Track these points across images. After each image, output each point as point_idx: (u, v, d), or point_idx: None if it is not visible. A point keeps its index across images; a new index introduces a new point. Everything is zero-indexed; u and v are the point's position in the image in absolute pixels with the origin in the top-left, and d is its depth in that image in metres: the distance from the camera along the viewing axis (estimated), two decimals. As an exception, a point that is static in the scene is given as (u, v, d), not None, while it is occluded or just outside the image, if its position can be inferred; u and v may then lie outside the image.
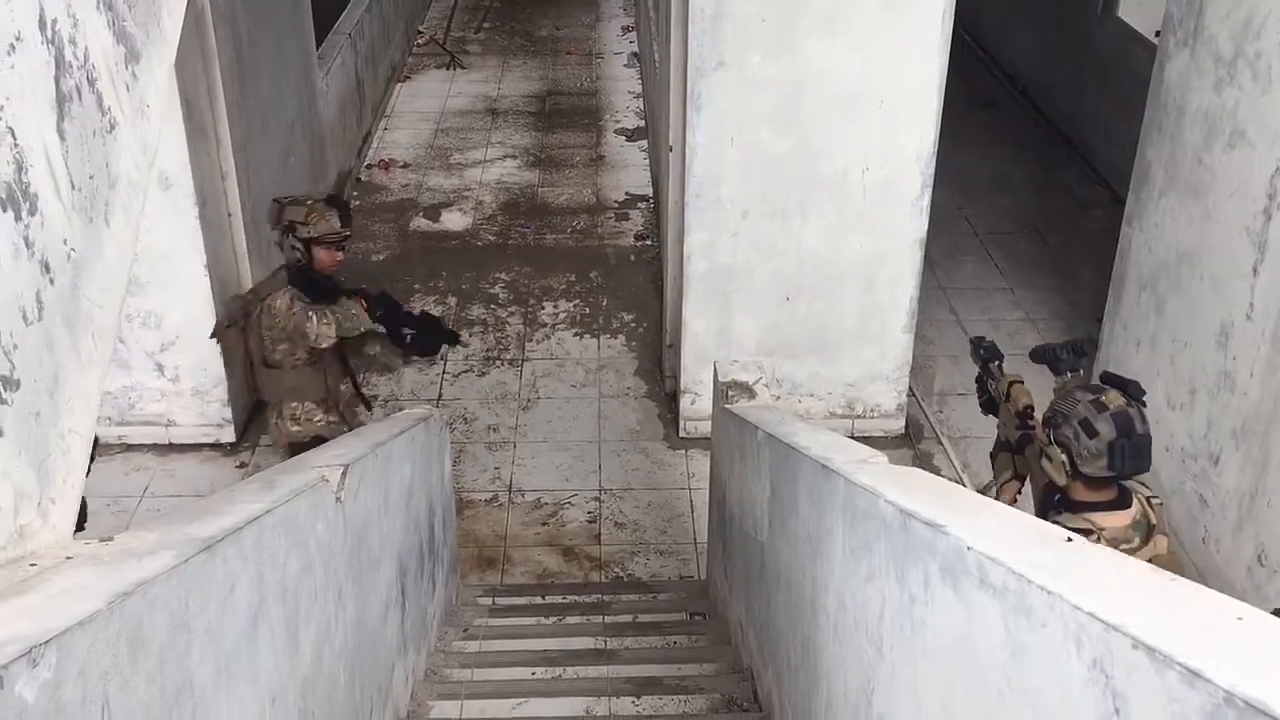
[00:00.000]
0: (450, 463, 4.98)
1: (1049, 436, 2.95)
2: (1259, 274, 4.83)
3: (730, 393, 4.47)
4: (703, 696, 3.84)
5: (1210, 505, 5.24)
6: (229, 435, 6.26)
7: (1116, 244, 6.49)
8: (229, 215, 6.17)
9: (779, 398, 5.97)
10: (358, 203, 9.08)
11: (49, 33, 1.83)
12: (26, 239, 1.73)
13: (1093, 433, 2.85)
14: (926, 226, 5.95)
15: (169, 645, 1.62)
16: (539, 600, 4.98)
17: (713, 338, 6.04)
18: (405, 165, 9.66)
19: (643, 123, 10.39)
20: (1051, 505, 3.00)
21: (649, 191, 9.04)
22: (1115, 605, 1.31)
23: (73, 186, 1.89)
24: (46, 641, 1.24)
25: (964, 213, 8.52)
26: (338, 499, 2.68)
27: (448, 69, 11.70)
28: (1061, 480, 2.93)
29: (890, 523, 2.10)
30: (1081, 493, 2.93)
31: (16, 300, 1.70)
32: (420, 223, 8.77)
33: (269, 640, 2.10)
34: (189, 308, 5.87)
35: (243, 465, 6.14)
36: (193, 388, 6.11)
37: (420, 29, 12.65)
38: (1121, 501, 2.99)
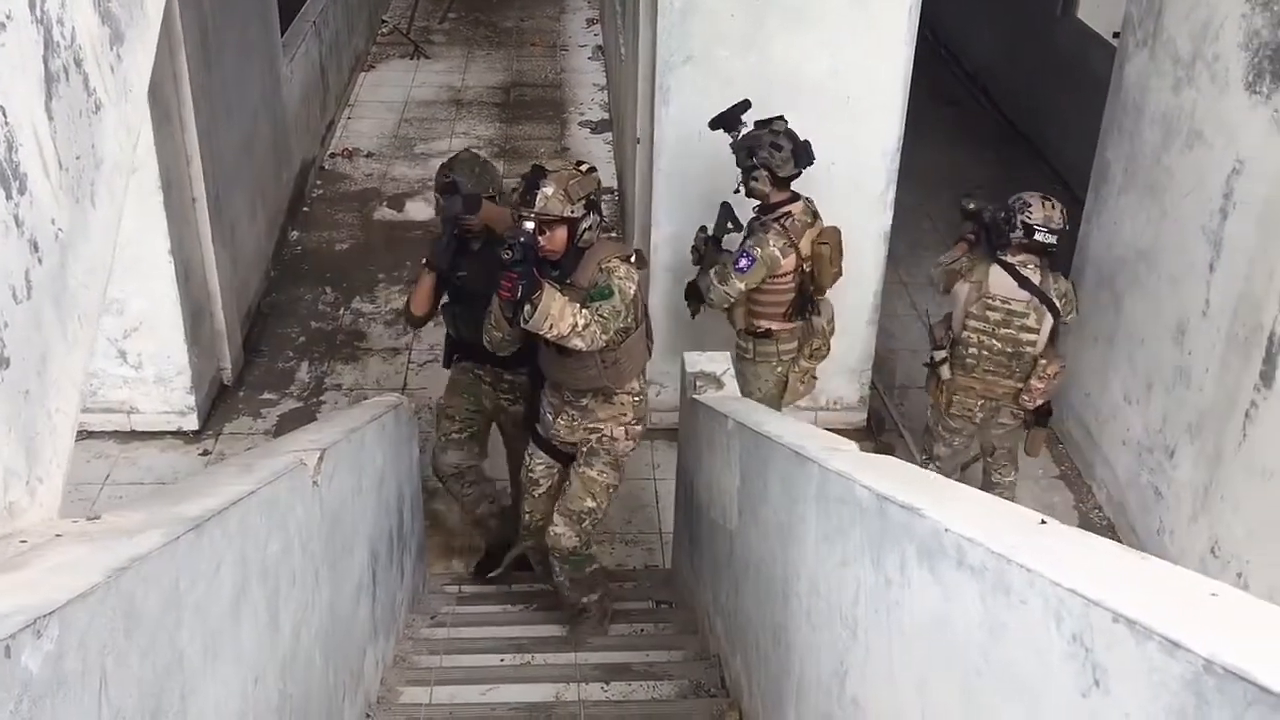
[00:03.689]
0: (418, 451, 4.99)
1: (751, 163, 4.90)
2: (1215, 272, 4.94)
3: (698, 383, 4.52)
4: (671, 683, 3.89)
5: (1165, 497, 5.35)
6: (192, 423, 6.22)
7: (1073, 242, 6.61)
8: (193, 200, 6.12)
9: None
10: (321, 191, 9.03)
11: (38, 12, 1.83)
12: (16, 217, 1.74)
13: (779, 147, 4.86)
14: (891, 221, 6.02)
15: (160, 621, 1.63)
16: (506, 588, 5.00)
17: (679, 330, 6.08)
18: (369, 154, 9.62)
19: (607, 115, 10.41)
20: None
21: (614, 184, 9.06)
22: (1094, 581, 1.36)
23: (60, 166, 1.89)
24: (50, 613, 1.25)
25: (925, 209, 8.61)
26: (315, 483, 2.69)
27: (412, 59, 11.65)
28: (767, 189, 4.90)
29: (866, 507, 2.15)
30: (777, 196, 4.95)
31: (6, 279, 1.71)
32: (385, 212, 8.75)
33: (252, 620, 2.11)
34: (152, 294, 5.82)
35: (206, 453, 6.11)
36: (155, 374, 6.07)
37: (384, 18, 12.59)
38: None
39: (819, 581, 2.53)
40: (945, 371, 5.08)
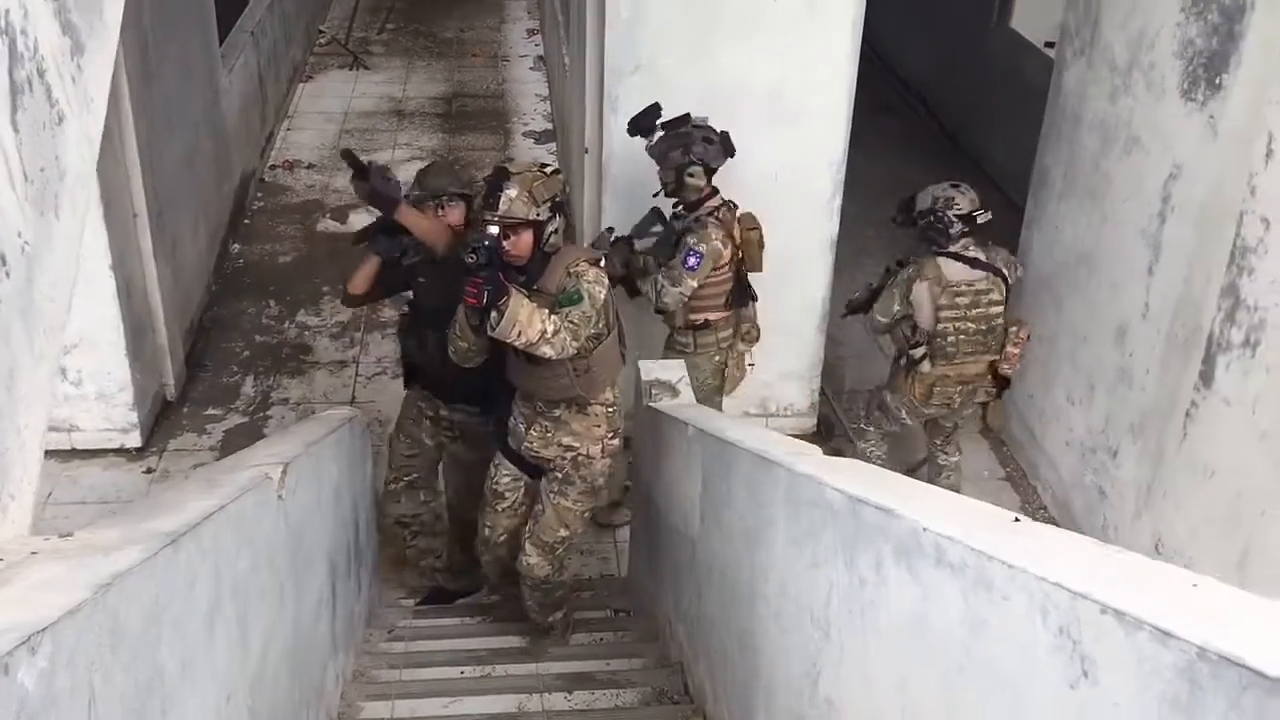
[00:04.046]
0: (370, 465, 4.95)
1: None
2: (1154, 275, 5.06)
3: (654, 391, 4.53)
4: (634, 690, 3.89)
5: (1109, 496, 5.46)
6: (135, 440, 6.11)
7: (1010, 245, 6.72)
8: (134, 216, 6.03)
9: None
10: (261, 204, 8.93)
11: (2, 23, 1.80)
12: (-15, 230, 1.71)
13: (711, 141, 5.02)
14: (837, 228, 6.09)
15: (142, 638, 1.61)
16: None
17: (632, 338, 6.09)
18: (310, 166, 9.53)
19: (551, 125, 10.40)
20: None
21: (558, 194, 9.05)
22: (1077, 575, 1.39)
23: (26, 179, 1.86)
24: (43, 630, 1.23)
25: (867, 216, 8.70)
26: (280, 497, 2.66)
27: (351, 69, 11.56)
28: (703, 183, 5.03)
29: (838, 509, 2.17)
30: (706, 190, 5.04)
31: (-25, 293, 1.68)
32: (327, 224, 8.67)
33: (225, 637, 2.09)
34: (93, 310, 5.71)
35: (150, 470, 6.01)
36: (97, 391, 5.96)
37: (321, 29, 12.48)
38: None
39: (788, 584, 2.56)
40: (926, 365, 5.20)
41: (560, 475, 4.13)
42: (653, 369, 4.65)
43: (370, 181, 4.17)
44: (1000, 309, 5.13)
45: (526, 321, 3.60)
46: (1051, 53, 9.03)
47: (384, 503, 4.81)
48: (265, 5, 9.85)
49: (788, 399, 6.48)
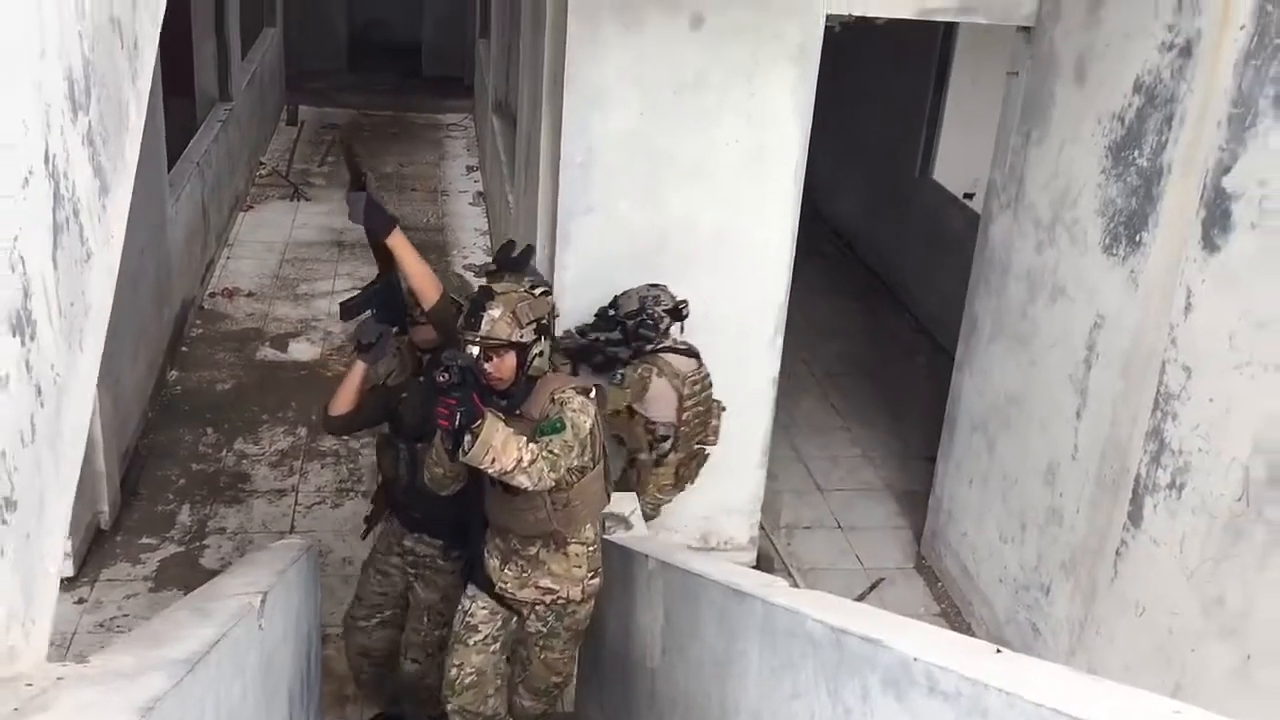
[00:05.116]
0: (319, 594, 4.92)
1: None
2: (1082, 418, 5.31)
3: (607, 524, 4.60)
4: (590, 827, 3.87)
5: (1043, 633, 5.61)
6: (67, 569, 5.97)
7: (938, 387, 7.00)
8: (81, 340, 6.01)
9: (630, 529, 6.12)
10: (200, 331, 8.93)
11: (50, 167, 1.90)
12: (27, 363, 1.78)
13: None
14: (779, 366, 6.30)
15: (171, 765, 1.64)
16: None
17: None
18: (250, 294, 9.57)
19: (490, 259, 10.59)
20: None
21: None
22: (1070, 700, 1.51)
23: (60, 313, 1.93)
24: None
25: (800, 354, 8.97)
26: (260, 626, 2.68)
27: (291, 200, 11.71)
28: None
29: (819, 640, 2.27)
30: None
31: (15, 423, 1.74)
32: (267, 352, 8.68)
33: (222, 767, 2.10)
34: (36, 434, 5.65)
35: (81, 600, 5.88)
36: (32, 518, 5.85)
37: (263, 159, 12.65)
38: None
39: (764, 714, 2.63)
40: (672, 457, 5.54)
41: (544, 629, 3.95)
42: (606, 502, 4.72)
43: (368, 193, 3.90)
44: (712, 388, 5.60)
45: (501, 448, 3.39)
46: (970, 203, 9.56)
47: (349, 636, 4.66)
48: (211, 136, 10.00)
49: (728, 533, 6.58)
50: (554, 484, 3.59)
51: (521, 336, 3.63)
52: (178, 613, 2.48)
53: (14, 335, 1.71)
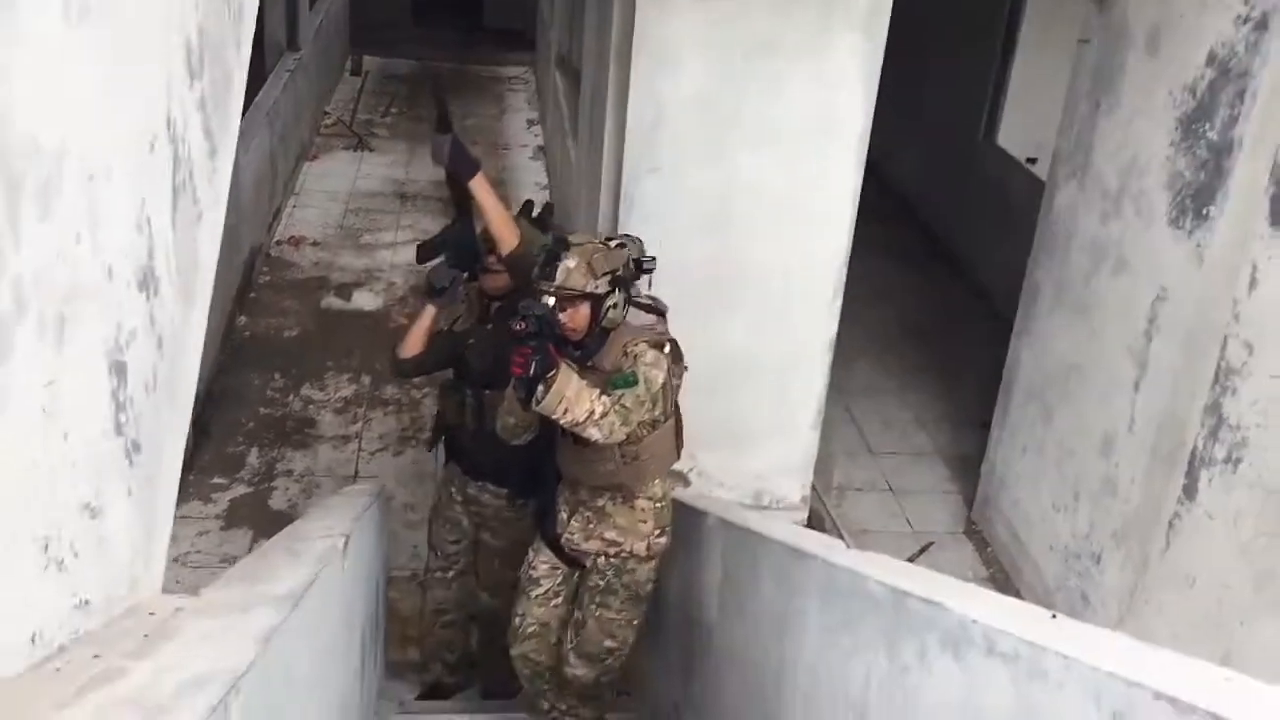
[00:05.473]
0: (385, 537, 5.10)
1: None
2: (1140, 390, 5.33)
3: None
4: (643, 771, 4.01)
5: (1092, 602, 5.67)
6: None
7: (994, 354, 7.02)
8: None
9: (689, 485, 6.24)
10: (268, 278, 9.13)
11: (171, 131, 2.02)
12: (152, 317, 1.91)
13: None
14: (837, 329, 6.35)
15: (286, 694, 1.77)
16: (466, 678, 5.09)
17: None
18: (315, 243, 9.75)
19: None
20: None
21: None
22: (1126, 665, 1.60)
23: (178, 271, 2.06)
24: (242, 674, 1.40)
25: (857, 318, 8.99)
26: (343, 568, 2.83)
27: (355, 150, 11.86)
28: None
29: (880, 600, 2.36)
30: None
31: (142, 374, 1.87)
32: (332, 301, 8.86)
33: (317, 698, 2.24)
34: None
35: (156, 536, 6.11)
36: (111, 456, 6.07)
37: (327, 110, 12.80)
38: None
39: (819, 670, 2.74)
40: None
41: (602, 583, 3.94)
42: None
43: (453, 134, 3.86)
44: None
45: (574, 399, 3.40)
46: (1032, 168, 9.50)
47: (427, 588, 4.73)
48: (280, 86, 10.15)
49: (781, 492, 6.66)
50: (625, 437, 3.60)
51: (596, 288, 3.62)
52: (269, 553, 2.63)
53: (140, 291, 1.83)
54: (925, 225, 11.07)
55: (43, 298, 1.41)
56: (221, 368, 7.75)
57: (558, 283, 3.58)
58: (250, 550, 5.70)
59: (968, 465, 7.26)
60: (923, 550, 6.64)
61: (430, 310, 4.20)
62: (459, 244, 4.10)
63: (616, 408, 3.52)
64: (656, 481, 3.91)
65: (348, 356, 8.06)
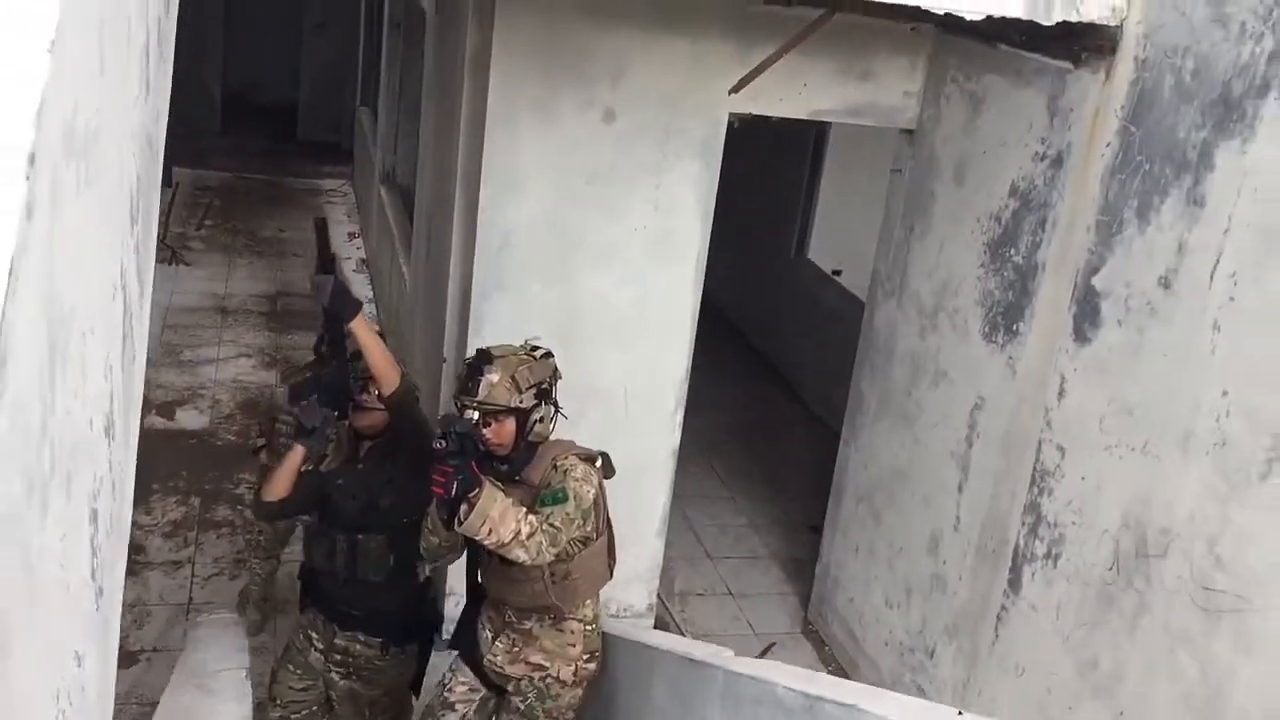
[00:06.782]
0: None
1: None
2: (964, 492, 5.73)
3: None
4: None
5: (928, 694, 5.96)
6: None
7: (815, 457, 7.42)
8: None
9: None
10: (82, 397, 8.76)
11: (123, 279, 2.07)
12: (111, 462, 1.93)
13: None
14: (679, 439, 6.60)
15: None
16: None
17: (483, 542, 6.32)
18: (132, 360, 9.43)
19: (378, 328, 10.66)
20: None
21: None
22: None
23: (124, 413, 2.09)
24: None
25: (686, 425, 9.29)
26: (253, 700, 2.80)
27: (170, 264, 11.57)
28: None
29: (791, 706, 2.53)
30: None
31: (106, 518, 1.89)
32: (154, 420, 8.57)
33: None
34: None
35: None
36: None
37: (137, 221, 12.46)
38: None
39: (724, 777, 2.86)
40: None
41: (523, 705, 3.72)
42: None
43: (336, 275, 3.82)
44: None
45: (499, 519, 3.25)
46: (839, 279, 10.12)
47: None
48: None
49: (629, 600, 6.80)
50: (553, 557, 3.45)
51: (521, 402, 3.49)
52: (181, 693, 2.59)
53: (106, 438, 1.87)
54: (744, 336, 11.56)
55: (62, 455, 1.46)
56: (38, 493, 7.37)
57: (480, 398, 3.45)
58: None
59: (801, 567, 7.56)
60: (766, 651, 6.86)
61: (299, 450, 4.00)
62: (332, 386, 4.05)
63: (545, 527, 3.37)
64: (588, 602, 3.76)
65: (174, 478, 7.80)
